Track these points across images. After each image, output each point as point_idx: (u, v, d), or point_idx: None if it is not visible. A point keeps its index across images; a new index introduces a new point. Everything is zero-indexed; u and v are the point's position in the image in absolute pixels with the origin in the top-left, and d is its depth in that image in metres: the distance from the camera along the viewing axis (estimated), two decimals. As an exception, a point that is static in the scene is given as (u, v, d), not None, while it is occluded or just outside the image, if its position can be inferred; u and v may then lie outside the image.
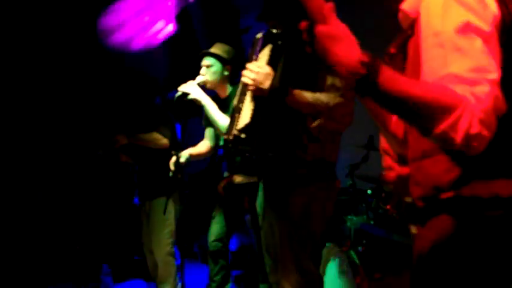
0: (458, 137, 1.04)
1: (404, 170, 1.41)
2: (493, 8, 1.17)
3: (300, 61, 2.21)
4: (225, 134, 2.43)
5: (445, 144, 1.08)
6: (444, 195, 1.24)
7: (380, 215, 3.51)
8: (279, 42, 2.25)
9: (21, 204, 4.96)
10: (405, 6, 1.34)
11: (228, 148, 2.69)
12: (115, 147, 3.70)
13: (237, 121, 2.32)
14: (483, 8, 1.15)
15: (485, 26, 1.13)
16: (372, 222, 3.56)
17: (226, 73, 3.35)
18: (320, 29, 1.10)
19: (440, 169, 1.24)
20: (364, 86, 1.05)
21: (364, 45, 1.16)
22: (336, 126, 2.32)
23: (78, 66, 5.38)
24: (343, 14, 1.45)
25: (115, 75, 5.16)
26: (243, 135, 2.22)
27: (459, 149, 1.08)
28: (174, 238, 3.92)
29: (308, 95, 2.20)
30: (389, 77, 1.05)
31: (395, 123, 1.47)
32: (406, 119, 1.14)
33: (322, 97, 2.20)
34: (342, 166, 3.68)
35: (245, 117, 2.27)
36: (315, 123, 2.25)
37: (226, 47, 3.39)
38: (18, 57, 5.00)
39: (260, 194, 2.62)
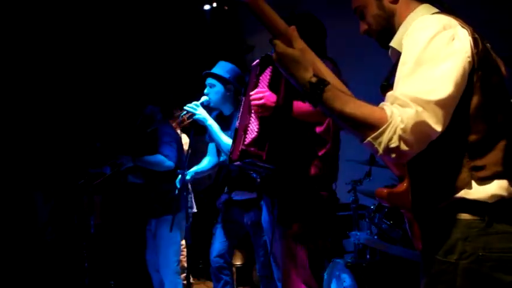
0: (380, 148, 1.25)
1: (398, 188, 1.49)
2: (464, 41, 1.32)
3: None
4: (229, 153, 2.53)
5: (373, 151, 1.28)
6: (444, 204, 1.35)
7: (383, 230, 3.52)
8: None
9: (27, 220, 5.01)
10: (393, 43, 1.51)
11: (230, 166, 2.79)
12: (121, 169, 3.75)
13: (244, 138, 2.43)
14: (449, 39, 1.31)
15: (450, 56, 1.29)
16: (376, 238, 3.58)
17: (228, 92, 3.41)
18: (284, 50, 1.32)
19: (440, 181, 1.36)
20: (311, 100, 1.30)
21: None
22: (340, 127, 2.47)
23: (86, 87, 5.47)
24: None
25: (122, 96, 5.24)
26: (252, 149, 2.35)
27: (383, 157, 1.29)
28: (180, 256, 3.94)
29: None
30: (331, 96, 1.29)
31: None
32: (345, 129, 1.35)
33: None
34: (345, 182, 3.72)
35: (252, 132, 2.41)
36: (322, 127, 2.45)
37: (229, 66, 3.45)
38: (28, 80, 5.10)
39: (264, 209, 2.70)
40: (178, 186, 3.37)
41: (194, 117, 3.16)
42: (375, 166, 3.73)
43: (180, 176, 3.37)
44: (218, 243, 3.63)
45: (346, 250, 4.08)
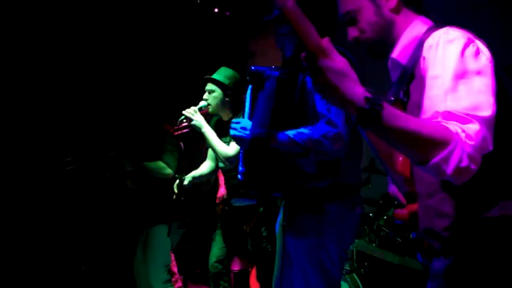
0: (449, 169, 1.13)
1: (413, 207, 1.41)
2: (486, 53, 1.27)
3: (284, 93, 2.16)
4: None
5: (437, 174, 1.17)
6: (476, 219, 1.28)
7: (382, 237, 3.52)
8: (257, 81, 2.25)
9: (26, 225, 5.01)
10: (395, 55, 1.43)
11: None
12: (120, 173, 3.72)
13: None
14: (477, 53, 1.26)
15: (482, 69, 1.23)
16: (374, 245, 3.57)
17: (227, 98, 3.41)
18: (327, 63, 1.07)
19: (469, 196, 1.28)
20: (367, 120, 1.10)
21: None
22: (326, 157, 2.17)
23: (87, 92, 5.48)
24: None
25: (122, 102, 5.24)
26: (244, 181, 2.26)
27: (448, 179, 1.17)
28: (169, 267, 3.87)
29: (290, 134, 2.09)
30: (391, 113, 1.11)
31: (402, 163, 1.48)
32: (403, 151, 1.23)
33: (305, 131, 2.10)
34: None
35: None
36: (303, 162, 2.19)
37: (229, 72, 3.45)
38: (28, 85, 5.11)
39: (280, 216, 2.50)
40: (176, 191, 3.36)
41: (191, 123, 3.16)
42: (374, 173, 3.73)
43: (178, 181, 3.36)
44: (217, 248, 3.63)
45: (344, 257, 4.07)
